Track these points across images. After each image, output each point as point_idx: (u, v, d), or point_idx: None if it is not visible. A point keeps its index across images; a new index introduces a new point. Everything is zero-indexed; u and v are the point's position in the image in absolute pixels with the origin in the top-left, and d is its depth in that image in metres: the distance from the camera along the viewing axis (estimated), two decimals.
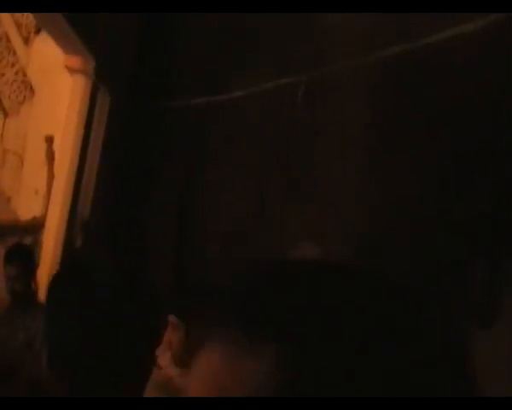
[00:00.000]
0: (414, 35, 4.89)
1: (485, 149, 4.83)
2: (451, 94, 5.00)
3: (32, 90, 5.81)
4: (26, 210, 5.29)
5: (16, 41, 6.68)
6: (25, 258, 4.53)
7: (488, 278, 5.43)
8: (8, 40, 6.62)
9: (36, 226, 5.20)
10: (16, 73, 6.21)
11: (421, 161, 5.33)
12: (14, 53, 6.49)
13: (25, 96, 5.93)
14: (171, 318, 3.21)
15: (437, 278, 5.42)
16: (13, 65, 6.49)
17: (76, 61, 5.30)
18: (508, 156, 4.71)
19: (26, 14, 6.61)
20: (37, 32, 6.61)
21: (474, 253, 5.34)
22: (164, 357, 3.10)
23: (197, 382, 0.61)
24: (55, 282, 1.37)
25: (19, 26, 6.74)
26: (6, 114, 6.01)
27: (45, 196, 5.26)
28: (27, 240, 5.23)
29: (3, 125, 5.53)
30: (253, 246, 5.61)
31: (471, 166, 5.12)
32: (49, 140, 5.33)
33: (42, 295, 4.79)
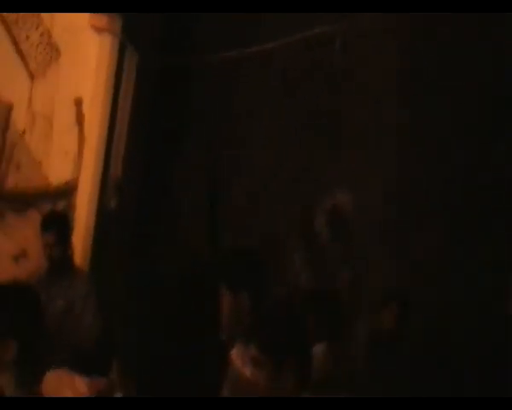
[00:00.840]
0: None
1: None
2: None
3: (58, 51, 5.72)
4: (58, 174, 5.24)
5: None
6: (61, 225, 4.51)
7: None
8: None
9: (69, 190, 5.15)
10: (41, 35, 6.12)
11: (451, 102, 5.24)
12: (38, 14, 6.40)
13: (51, 58, 5.85)
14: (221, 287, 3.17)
15: (469, 226, 5.37)
16: (37, 27, 6.40)
17: (102, 20, 5.20)
18: None
19: None
20: None
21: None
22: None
23: None
24: None
25: None
26: (33, 77, 5.94)
27: (77, 158, 5.20)
28: (61, 204, 5.18)
29: (31, 89, 5.46)
30: (289, 195, 5.57)
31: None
32: (79, 102, 5.25)
33: (78, 259, 4.77)
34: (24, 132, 5.36)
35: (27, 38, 6.35)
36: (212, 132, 5.46)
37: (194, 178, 5.38)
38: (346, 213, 5.76)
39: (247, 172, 5.53)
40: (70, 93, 5.24)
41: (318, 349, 4.16)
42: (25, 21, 6.39)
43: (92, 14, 5.23)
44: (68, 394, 3.83)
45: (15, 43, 5.31)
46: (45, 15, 6.50)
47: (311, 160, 5.63)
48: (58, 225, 4.49)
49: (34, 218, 4.96)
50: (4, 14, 5.17)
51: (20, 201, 5.23)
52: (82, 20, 5.35)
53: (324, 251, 5.72)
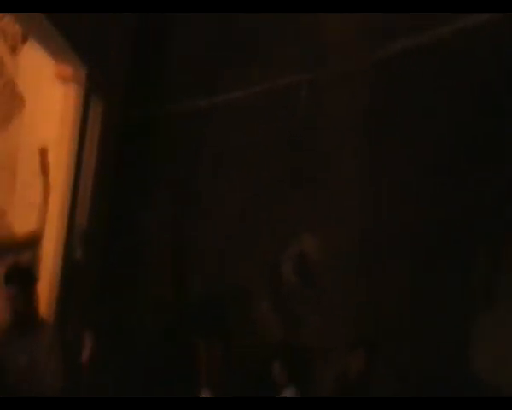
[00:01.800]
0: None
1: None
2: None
3: (22, 101, 5.74)
4: (23, 224, 5.22)
5: (2, 50, 6.59)
6: (24, 277, 4.43)
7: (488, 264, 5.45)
8: None
9: (34, 241, 5.13)
10: (5, 85, 6.13)
11: (418, 149, 5.34)
12: (2, 63, 6.41)
13: (15, 108, 5.86)
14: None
15: (436, 266, 5.45)
16: (0, 76, 6.41)
17: (67, 70, 5.23)
18: None
19: (11, 22, 6.51)
20: (24, 40, 6.52)
21: (473, 239, 5.37)
22: None
23: None
24: None
25: (5, 34, 6.65)
26: None
27: (41, 208, 5.18)
28: (26, 255, 5.14)
29: None
30: (255, 242, 5.60)
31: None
32: (44, 152, 5.25)
33: (42, 311, 4.72)
34: None
35: None
36: (178, 183, 5.50)
37: (160, 228, 5.40)
38: (312, 258, 5.81)
39: (213, 219, 5.56)
40: (34, 143, 5.25)
41: (287, 395, 4.20)
42: None
43: (57, 63, 5.26)
44: None
45: None
46: (9, 64, 6.52)
47: (274, 206, 5.69)
48: (21, 277, 4.42)
49: None
50: None
51: None
52: (47, 69, 5.38)
53: (292, 297, 5.75)
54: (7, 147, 5.50)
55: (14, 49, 6.73)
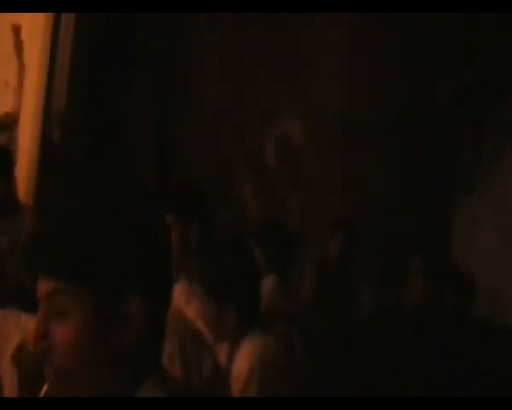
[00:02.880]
0: None
1: None
2: None
3: None
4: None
5: None
6: (2, 159, 4.44)
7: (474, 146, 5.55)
8: None
9: (9, 122, 5.09)
10: None
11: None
12: None
13: None
14: (168, 217, 3.16)
15: (424, 144, 5.52)
16: None
17: None
18: None
19: None
20: None
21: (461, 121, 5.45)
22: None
23: None
24: None
25: None
26: None
27: (17, 88, 5.12)
28: (1, 138, 5.12)
29: None
30: (237, 125, 5.60)
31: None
32: (17, 29, 5.14)
33: (21, 194, 4.75)
34: None
35: None
36: (159, 64, 5.42)
37: (142, 111, 5.35)
38: (294, 141, 5.83)
39: (194, 103, 5.52)
40: (7, 21, 5.13)
41: (269, 281, 4.24)
42: None
43: None
44: (15, 331, 3.88)
45: None
46: None
47: (257, 89, 5.66)
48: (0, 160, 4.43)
49: None
50: None
51: None
52: None
53: (273, 180, 5.80)
54: None
55: None
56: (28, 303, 4.09)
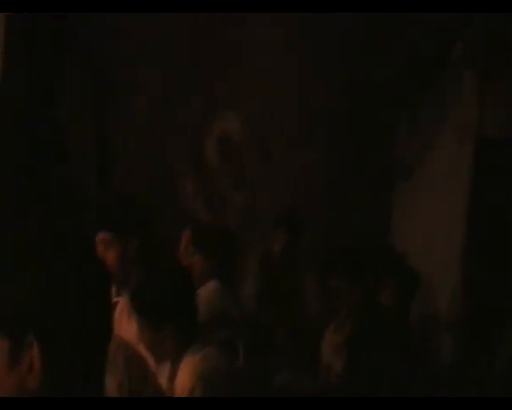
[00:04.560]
0: None
1: None
2: None
3: None
4: None
5: None
6: None
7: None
8: None
9: None
10: None
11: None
12: None
13: None
14: (103, 235, 3.18)
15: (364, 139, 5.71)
16: None
17: None
18: None
19: None
20: None
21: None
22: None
23: None
24: None
25: None
26: None
27: None
28: None
29: None
30: (177, 123, 5.67)
31: None
32: None
33: None
34: None
35: None
36: (95, 65, 5.38)
37: (80, 112, 5.30)
38: (235, 138, 5.92)
39: (135, 105, 5.54)
40: None
41: (209, 288, 4.27)
42: None
43: None
44: None
45: None
46: None
47: (197, 84, 5.72)
48: None
49: None
50: None
51: None
52: None
53: (215, 179, 5.88)
54: None
55: None
56: None
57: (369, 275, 4.13)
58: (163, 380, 2.99)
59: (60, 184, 5.11)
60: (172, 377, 3.04)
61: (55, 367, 1.25)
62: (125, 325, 3.14)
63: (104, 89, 5.47)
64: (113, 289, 3.16)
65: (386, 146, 5.79)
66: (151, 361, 3.00)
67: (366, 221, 5.58)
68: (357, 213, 5.62)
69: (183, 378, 2.98)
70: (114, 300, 3.15)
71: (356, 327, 2.46)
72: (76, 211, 4.89)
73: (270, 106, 5.70)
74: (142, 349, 2.99)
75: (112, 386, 2.40)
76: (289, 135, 5.77)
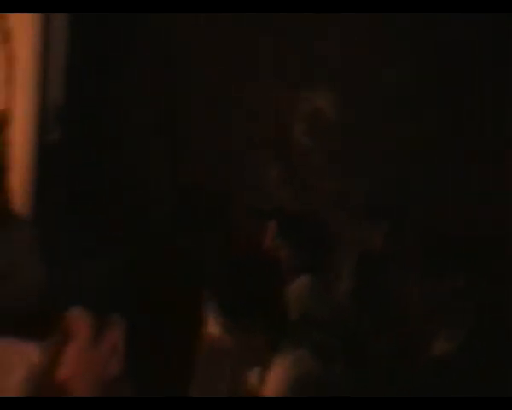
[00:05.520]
0: None
1: None
2: None
3: None
4: None
5: None
6: None
7: None
8: None
9: (1, 123, 4.98)
10: None
11: None
12: None
13: None
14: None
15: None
16: None
17: None
18: None
19: None
20: None
21: None
22: None
23: None
24: None
25: None
26: None
27: (7, 85, 5.01)
28: None
29: None
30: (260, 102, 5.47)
31: None
32: (3, 16, 5.04)
33: (17, 206, 4.62)
34: None
35: None
36: (161, 44, 5.29)
37: (146, 101, 5.25)
38: (328, 117, 5.68)
39: (209, 81, 5.40)
40: None
41: (299, 284, 4.08)
42: None
43: None
44: (19, 364, 3.76)
45: None
46: None
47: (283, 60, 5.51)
48: None
49: None
50: None
51: None
52: None
53: (304, 164, 5.64)
54: None
55: None
56: (31, 331, 3.97)
57: (489, 272, 3.73)
58: (253, 383, 2.95)
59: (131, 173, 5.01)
60: (263, 380, 2.94)
61: (139, 354, 1.21)
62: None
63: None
64: None
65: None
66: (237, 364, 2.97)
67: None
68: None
69: (274, 382, 2.89)
70: None
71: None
72: (150, 201, 4.79)
73: (365, 82, 5.40)
74: (227, 352, 2.97)
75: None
76: (385, 112, 5.43)
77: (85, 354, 1.22)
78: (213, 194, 3.32)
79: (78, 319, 1.23)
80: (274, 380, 2.86)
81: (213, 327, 2.93)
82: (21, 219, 4.55)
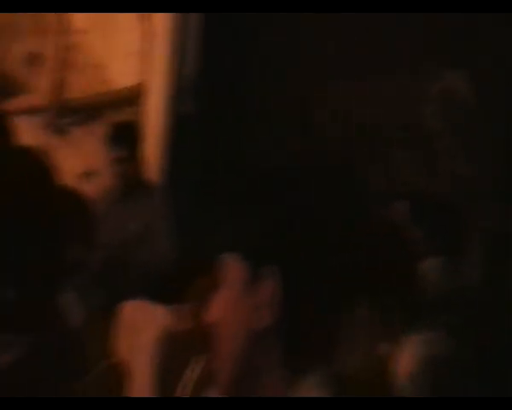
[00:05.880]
0: None
1: None
2: None
3: None
4: (123, 78, 5.16)
5: None
6: (130, 138, 4.40)
7: None
8: None
9: (136, 96, 5.07)
10: None
11: None
12: None
13: None
14: None
15: None
16: None
17: None
18: None
19: None
20: None
21: None
22: None
23: None
24: None
25: None
26: None
27: (144, 58, 5.10)
28: (128, 113, 5.12)
29: None
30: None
31: None
32: None
33: (151, 175, 4.71)
34: (85, 32, 5.30)
35: None
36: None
37: (283, 77, 5.21)
38: (460, 97, 5.52)
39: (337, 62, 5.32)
40: None
41: (430, 266, 4.00)
42: None
43: None
44: (150, 326, 3.85)
45: None
46: None
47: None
48: (127, 138, 4.38)
49: (100, 130, 4.91)
50: None
51: (84, 111, 5.21)
52: None
53: (435, 147, 5.51)
54: None
55: None
56: (161, 294, 4.06)
57: None
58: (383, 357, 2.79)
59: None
60: (391, 356, 2.87)
61: (293, 308, 1.20)
62: None
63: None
64: None
65: None
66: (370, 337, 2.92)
67: None
68: None
69: (406, 361, 2.86)
70: None
71: None
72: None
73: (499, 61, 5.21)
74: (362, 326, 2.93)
75: None
76: None
77: (238, 302, 1.20)
78: (349, 178, 3.27)
79: (234, 266, 1.20)
80: (405, 359, 2.84)
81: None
82: (155, 188, 4.63)
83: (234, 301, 1.20)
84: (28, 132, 4.74)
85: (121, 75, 5.15)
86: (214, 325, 1.21)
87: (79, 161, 4.91)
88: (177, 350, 3.62)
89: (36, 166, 1.65)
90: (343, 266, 1.26)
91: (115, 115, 5.09)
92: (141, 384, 3.32)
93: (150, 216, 4.34)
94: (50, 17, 5.28)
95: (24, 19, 5.34)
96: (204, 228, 4.54)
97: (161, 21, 5.10)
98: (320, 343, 1.23)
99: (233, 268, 1.20)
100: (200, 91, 5.05)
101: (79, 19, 5.29)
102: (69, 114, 5.21)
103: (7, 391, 1.54)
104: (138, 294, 4.07)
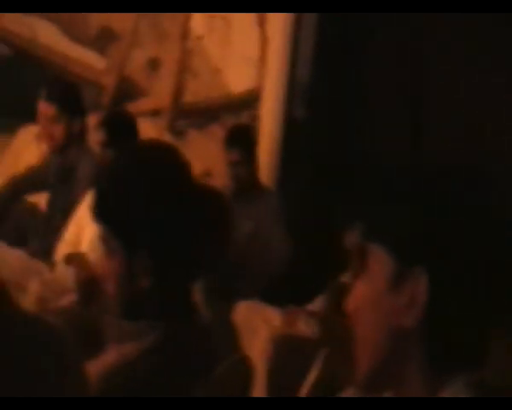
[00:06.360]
0: None
1: None
2: None
3: None
4: (239, 82, 5.26)
5: None
6: (246, 141, 4.50)
7: None
8: None
9: (252, 100, 5.16)
10: None
11: None
12: None
13: None
14: None
15: None
16: None
17: None
18: None
19: None
20: None
21: None
22: None
23: None
24: None
25: None
26: None
27: (259, 63, 5.18)
28: (244, 116, 5.22)
29: None
30: None
31: None
32: None
33: (264, 177, 4.79)
34: (202, 37, 5.41)
35: None
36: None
37: (392, 83, 5.15)
38: None
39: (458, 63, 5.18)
40: None
41: None
42: None
43: None
44: (262, 326, 3.93)
45: None
46: None
47: None
48: (243, 141, 4.49)
49: (217, 133, 5.04)
50: None
51: (201, 114, 5.34)
52: None
53: None
54: None
55: None
56: (272, 296, 4.13)
57: None
58: None
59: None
60: None
61: (438, 312, 1.15)
62: None
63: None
64: None
65: None
66: None
67: None
68: None
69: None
70: None
71: None
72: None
73: None
74: None
75: None
76: None
77: (380, 297, 1.15)
78: (473, 179, 3.15)
79: (380, 257, 1.16)
80: None
81: None
82: (268, 191, 4.72)
83: (375, 296, 1.15)
84: (150, 133, 4.92)
85: (237, 80, 5.26)
86: (352, 314, 1.17)
87: (197, 163, 5.04)
88: (294, 352, 3.66)
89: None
90: (498, 276, 1.16)
91: (232, 119, 5.21)
92: (257, 384, 3.38)
93: (262, 218, 4.43)
94: (169, 23, 5.44)
95: (144, 26, 5.53)
96: (316, 230, 4.61)
97: (277, 27, 5.17)
98: (465, 353, 1.16)
99: (378, 260, 1.16)
100: (312, 96, 5.09)
101: (198, 25, 5.42)
102: (187, 116, 5.37)
103: (136, 383, 1.58)
104: (254, 294, 4.18)
